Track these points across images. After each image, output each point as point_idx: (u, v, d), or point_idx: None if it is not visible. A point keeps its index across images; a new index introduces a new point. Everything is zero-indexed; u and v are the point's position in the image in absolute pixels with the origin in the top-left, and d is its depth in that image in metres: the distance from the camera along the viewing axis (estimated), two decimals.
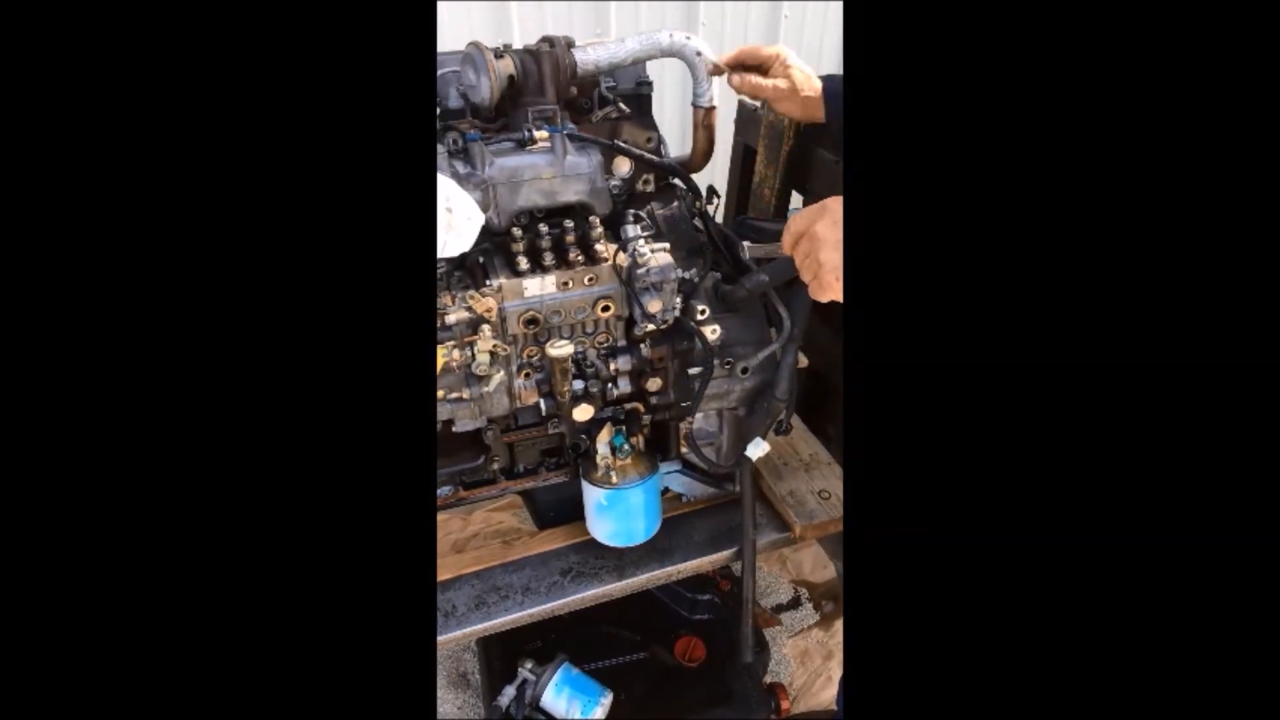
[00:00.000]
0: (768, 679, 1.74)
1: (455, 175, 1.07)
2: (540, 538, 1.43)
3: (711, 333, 1.20)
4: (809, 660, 1.89)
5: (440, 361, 1.11)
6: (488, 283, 1.11)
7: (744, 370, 1.23)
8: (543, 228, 1.14)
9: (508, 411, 1.23)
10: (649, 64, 1.28)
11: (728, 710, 1.58)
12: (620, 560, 1.38)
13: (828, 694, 1.80)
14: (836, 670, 1.84)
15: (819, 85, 1.22)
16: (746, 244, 1.18)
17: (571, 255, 1.14)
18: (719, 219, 1.34)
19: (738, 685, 1.61)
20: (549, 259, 1.13)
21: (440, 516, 1.46)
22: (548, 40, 1.17)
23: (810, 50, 2.52)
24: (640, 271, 1.12)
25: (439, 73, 1.19)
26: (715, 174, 1.50)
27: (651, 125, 1.32)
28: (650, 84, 1.33)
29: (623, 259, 1.14)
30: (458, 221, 0.99)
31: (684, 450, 1.37)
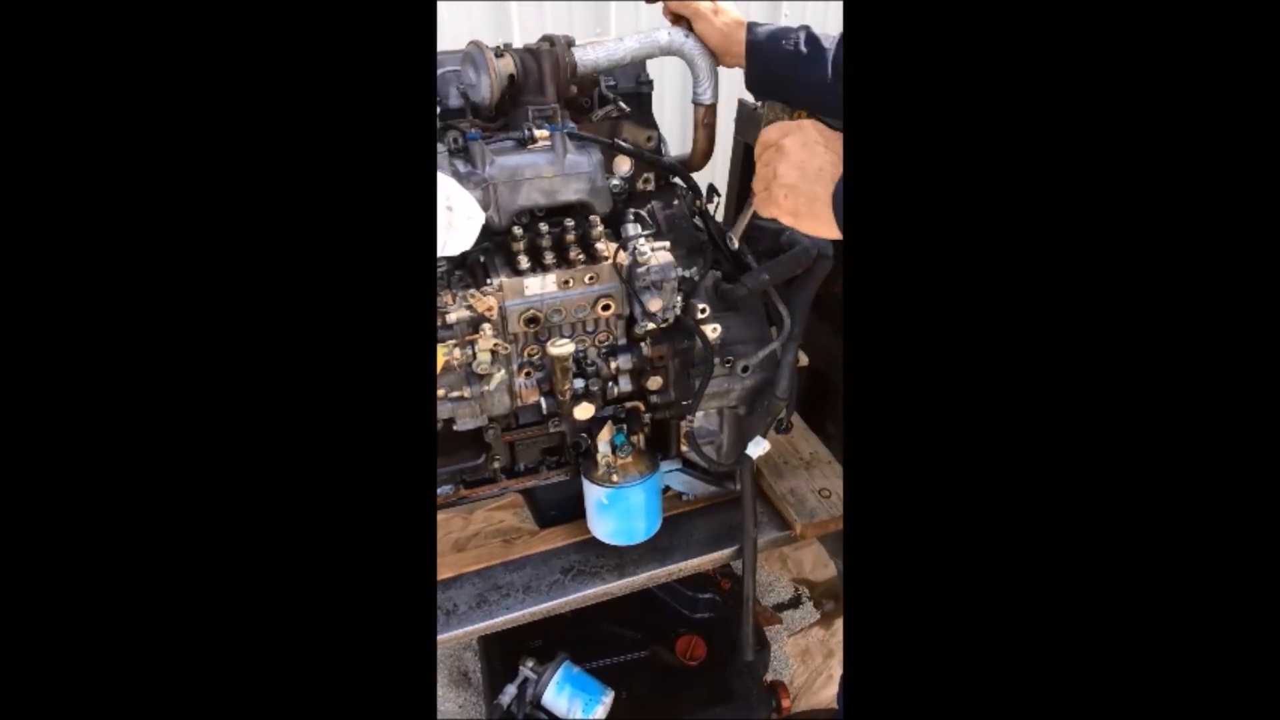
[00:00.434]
0: (768, 677, 1.74)
1: (456, 174, 1.07)
2: (541, 536, 1.43)
3: (712, 331, 1.20)
4: (809, 659, 1.89)
5: (441, 360, 1.11)
6: (488, 281, 1.11)
7: (744, 369, 1.23)
8: (543, 227, 1.14)
9: (508, 410, 1.23)
10: (649, 63, 1.28)
11: (728, 709, 1.58)
12: (621, 559, 1.39)
13: (828, 692, 1.80)
14: (837, 669, 1.84)
15: (744, 27, 1.17)
16: (732, 233, 1.17)
17: (572, 254, 1.14)
18: (719, 218, 1.34)
19: (738, 684, 1.61)
20: (549, 258, 1.13)
21: (441, 515, 1.47)
22: (548, 39, 1.17)
23: None
24: (641, 270, 1.12)
25: (439, 72, 1.20)
26: (715, 173, 1.50)
27: (651, 124, 1.32)
28: (650, 83, 1.33)
29: (623, 258, 1.14)
30: (458, 220, 0.99)
31: (684, 449, 1.37)
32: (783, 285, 1.24)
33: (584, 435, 1.30)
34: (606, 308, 1.17)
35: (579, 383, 1.22)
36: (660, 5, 1.24)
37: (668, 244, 1.16)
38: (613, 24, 2.20)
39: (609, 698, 1.53)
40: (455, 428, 1.21)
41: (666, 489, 1.45)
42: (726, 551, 1.41)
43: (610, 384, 1.25)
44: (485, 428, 1.25)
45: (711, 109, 1.29)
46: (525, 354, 1.19)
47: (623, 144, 1.25)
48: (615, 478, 1.28)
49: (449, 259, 1.09)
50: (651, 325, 1.18)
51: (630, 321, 1.22)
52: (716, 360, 1.21)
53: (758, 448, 1.28)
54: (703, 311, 1.19)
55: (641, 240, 1.14)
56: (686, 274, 1.16)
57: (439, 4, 1.89)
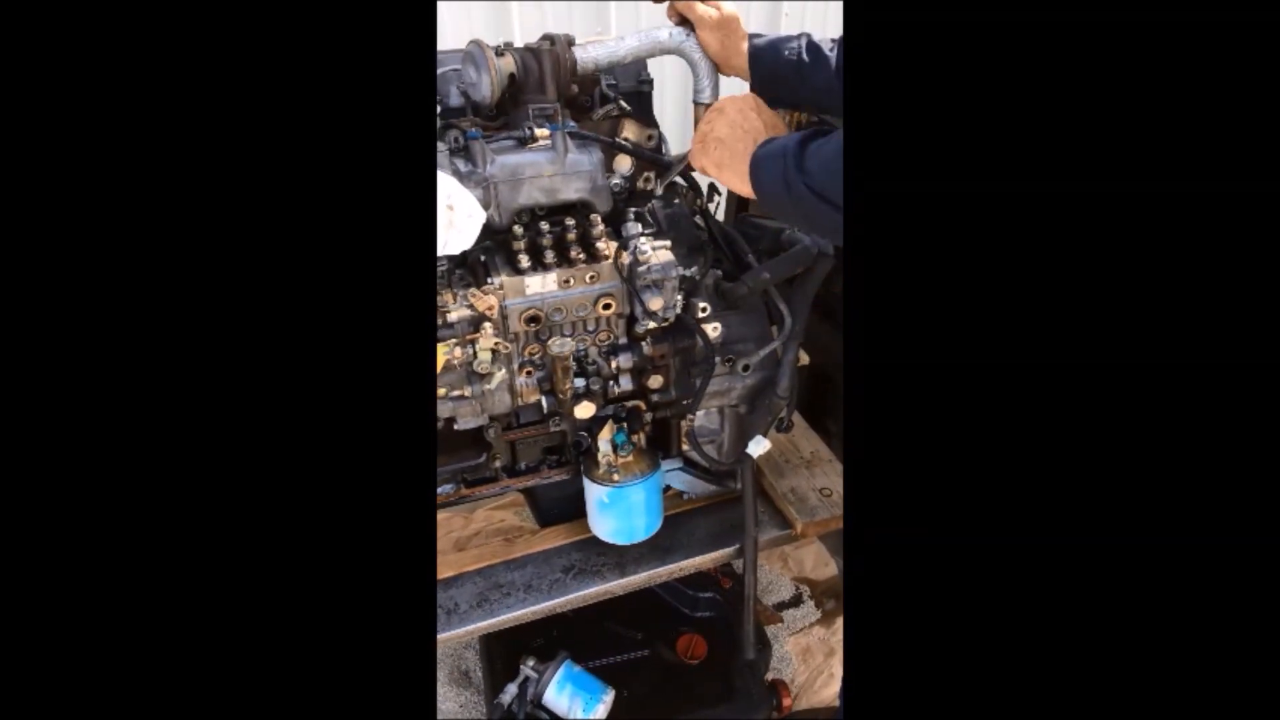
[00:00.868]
0: (769, 676, 1.74)
1: (456, 173, 1.07)
2: (542, 535, 1.43)
3: (713, 330, 1.20)
4: (810, 657, 1.89)
5: (442, 359, 1.11)
6: (489, 280, 1.11)
7: (745, 367, 1.23)
8: (544, 225, 1.14)
9: (509, 409, 1.23)
10: (649, 61, 1.28)
11: (729, 708, 1.58)
12: (622, 558, 1.39)
13: (829, 691, 1.80)
14: (838, 667, 1.84)
15: (744, 37, 1.19)
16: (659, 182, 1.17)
17: (573, 253, 1.14)
18: (720, 216, 1.34)
19: (739, 682, 1.61)
20: (550, 257, 1.13)
21: (442, 514, 1.47)
22: (548, 38, 1.17)
23: None
24: (641, 269, 1.12)
25: (440, 71, 1.20)
26: None
27: (652, 123, 1.32)
28: (651, 81, 1.33)
29: (624, 257, 1.14)
30: (459, 219, 0.99)
31: (685, 448, 1.37)
32: (784, 284, 1.24)
33: (585, 434, 1.30)
34: (607, 306, 1.17)
35: (580, 382, 1.22)
36: (661, 5, 1.24)
37: (668, 243, 1.16)
38: (613, 23, 2.20)
39: (610, 697, 1.53)
40: (456, 427, 1.21)
41: (667, 488, 1.45)
42: (727, 550, 1.41)
43: (611, 383, 1.25)
44: (486, 427, 1.25)
45: None
46: (526, 353, 1.19)
47: (623, 143, 1.25)
48: (616, 476, 1.28)
49: (450, 258, 1.09)
50: (652, 324, 1.18)
51: (631, 320, 1.22)
52: (717, 359, 1.21)
53: (759, 446, 1.28)
54: (704, 310, 1.19)
55: (642, 239, 1.14)
56: (687, 273, 1.16)
57: (440, 3, 1.89)
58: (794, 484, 1.47)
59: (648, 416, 1.31)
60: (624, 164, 1.27)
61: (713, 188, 1.32)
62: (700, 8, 1.19)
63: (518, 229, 1.12)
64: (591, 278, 1.15)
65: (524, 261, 1.12)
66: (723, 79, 1.27)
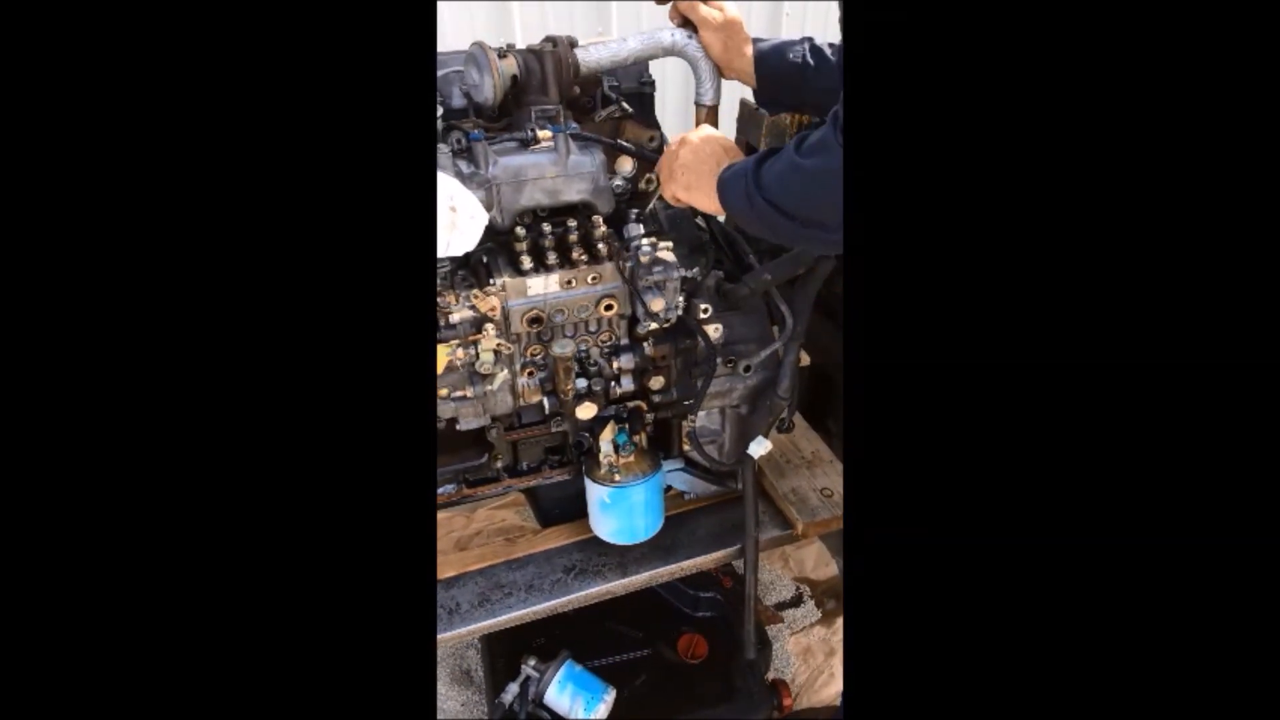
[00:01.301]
0: (770, 676, 1.74)
1: (459, 174, 1.07)
2: (543, 535, 1.43)
3: (714, 331, 1.21)
4: (811, 657, 1.90)
5: (444, 360, 1.11)
6: (491, 281, 1.12)
7: (746, 368, 1.24)
8: (546, 227, 1.14)
9: (511, 410, 1.23)
10: (651, 63, 1.28)
11: (730, 707, 1.58)
12: (623, 558, 1.39)
13: (830, 691, 1.81)
14: (838, 667, 1.84)
15: (748, 41, 1.21)
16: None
17: (575, 254, 1.14)
18: (721, 217, 1.35)
19: (740, 682, 1.61)
20: (552, 258, 1.13)
21: (443, 514, 1.47)
22: (550, 40, 1.18)
23: None
24: (643, 270, 1.12)
25: (443, 73, 1.20)
26: None
27: (654, 124, 1.33)
28: (652, 83, 1.33)
29: (625, 257, 1.14)
30: (462, 220, 1.00)
31: (686, 448, 1.38)
32: (785, 285, 1.24)
33: (586, 434, 1.31)
34: (609, 307, 1.18)
35: (581, 382, 1.23)
36: (664, 7, 1.24)
37: (670, 243, 1.16)
38: (614, 24, 2.20)
39: (611, 696, 1.53)
40: (458, 427, 1.22)
41: (668, 488, 1.46)
42: (728, 550, 1.41)
43: (612, 383, 1.25)
44: (488, 427, 1.26)
45: (714, 109, 1.29)
46: (528, 354, 1.19)
47: (625, 144, 1.25)
48: (617, 477, 1.28)
49: (452, 259, 1.10)
50: (654, 325, 1.18)
51: (633, 321, 1.22)
52: (719, 360, 1.21)
53: (760, 447, 1.29)
54: (705, 311, 1.19)
55: (644, 240, 1.15)
56: (689, 274, 1.16)
57: (441, 4, 1.89)
58: (795, 484, 1.47)
59: (649, 417, 1.32)
60: (626, 165, 1.28)
61: None
62: (704, 9, 1.19)
63: (520, 230, 1.12)
64: (593, 279, 1.16)
65: (526, 262, 1.12)
66: (724, 82, 1.28)
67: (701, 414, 1.32)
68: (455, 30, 2.00)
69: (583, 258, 1.14)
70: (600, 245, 1.15)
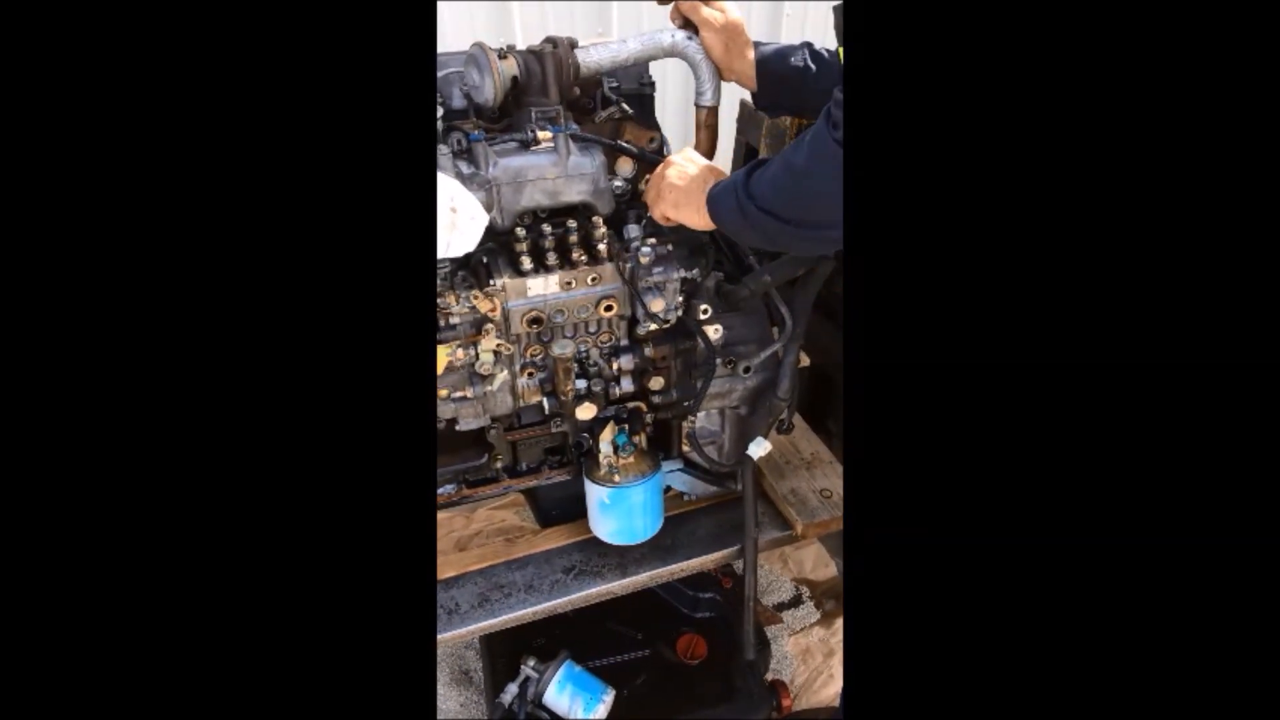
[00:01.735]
0: (769, 676, 1.74)
1: (459, 175, 1.07)
2: (543, 536, 1.44)
3: (714, 332, 1.21)
4: (810, 658, 1.90)
5: (444, 360, 1.11)
6: (491, 282, 1.12)
7: (746, 369, 1.24)
8: (546, 227, 1.15)
9: (511, 410, 1.23)
10: (651, 64, 1.28)
11: (730, 707, 1.58)
12: (623, 558, 1.39)
13: (829, 691, 1.81)
14: (837, 668, 1.84)
15: (749, 44, 1.21)
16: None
17: (575, 255, 1.14)
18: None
19: (740, 682, 1.61)
20: (552, 259, 1.13)
21: (443, 514, 1.47)
22: (551, 41, 1.18)
23: None
24: (643, 271, 1.12)
25: (443, 73, 1.20)
26: None
27: (654, 125, 1.33)
28: (653, 84, 1.33)
29: (625, 258, 1.15)
30: (462, 221, 1.00)
31: (686, 449, 1.38)
32: (785, 286, 1.24)
33: (586, 435, 1.31)
34: (609, 308, 1.18)
35: (581, 383, 1.23)
36: (665, 8, 1.24)
37: (670, 244, 1.16)
38: (615, 25, 2.20)
39: (610, 696, 1.53)
40: (458, 427, 1.22)
41: (668, 489, 1.46)
42: (728, 551, 1.41)
43: (612, 384, 1.25)
44: (488, 427, 1.26)
45: (714, 110, 1.29)
46: (528, 354, 1.19)
47: (625, 145, 1.26)
48: (617, 477, 1.28)
49: (452, 260, 1.10)
50: (654, 326, 1.18)
51: (632, 322, 1.22)
52: (718, 361, 1.21)
53: (759, 448, 1.29)
54: (705, 312, 1.19)
55: (644, 241, 1.15)
56: (689, 275, 1.16)
57: (442, 5, 1.89)
58: (794, 485, 1.48)
59: (649, 418, 1.32)
60: (626, 166, 1.28)
61: None
62: (705, 10, 1.19)
63: (520, 231, 1.12)
64: (593, 279, 1.16)
65: (526, 263, 1.12)
66: (724, 83, 1.28)
67: (701, 415, 1.32)
68: (455, 31, 2.01)
69: (583, 259, 1.14)
70: (600, 246, 1.15)
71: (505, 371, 1.17)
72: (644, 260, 1.12)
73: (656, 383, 1.25)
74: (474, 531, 1.47)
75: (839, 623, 1.95)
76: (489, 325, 1.12)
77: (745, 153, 1.63)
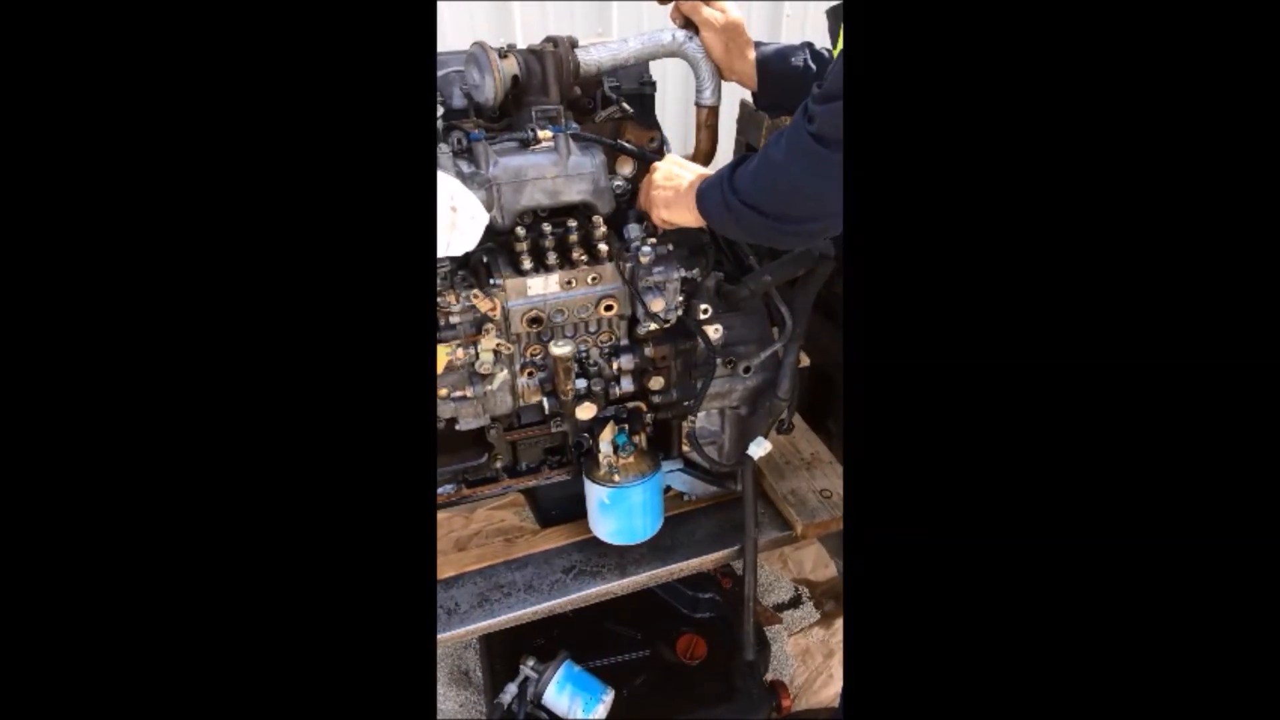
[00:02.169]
0: (769, 677, 1.74)
1: (459, 174, 1.07)
2: (543, 536, 1.43)
3: (714, 332, 1.21)
4: (810, 658, 1.90)
5: (444, 360, 1.11)
6: (491, 282, 1.12)
7: (746, 369, 1.24)
8: (546, 227, 1.15)
9: (511, 410, 1.23)
10: (651, 63, 1.28)
11: (729, 708, 1.58)
12: (622, 558, 1.39)
13: (829, 692, 1.81)
14: (837, 669, 1.84)
15: (750, 44, 1.22)
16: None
17: (575, 254, 1.14)
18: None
19: (739, 683, 1.61)
20: (552, 258, 1.13)
21: (443, 514, 1.47)
22: (551, 40, 1.18)
23: None
24: (643, 271, 1.12)
25: (443, 73, 1.20)
26: None
27: (654, 125, 1.33)
28: (653, 84, 1.33)
29: (626, 258, 1.14)
30: (462, 221, 1.00)
31: (686, 449, 1.38)
32: (785, 286, 1.24)
33: (586, 435, 1.31)
34: (609, 308, 1.18)
35: (581, 383, 1.23)
36: (665, 7, 1.24)
37: (670, 244, 1.16)
38: (615, 24, 2.20)
39: (610, 697, 1.53)
40: (458, 427, 1.22)
41: (668, 489, 1.46)
42: (727, 551, 1.41)
43: (612, 384, 1.25)
44: (488, 427, 1.26)
45: (714, 110, 1.29)
46: (528, 354, 1.19)
47: (626, 145, 1.25)
48: (617, 477, 1.28)
49: (452, 259, 1.10)
50: (654, 326, 1.18)
51: (633, 322, 1.22)
52: (719, 361, 1.21)
53: (759, 448, 1.29)
54: (705, 312, 1.19)
55: (644, 241, 1.15)
56: (689, 274, 1.16)
57: (442, 4, 1.89)
58: (794, 485, 1.48)
59: (649, 418, 1.31)
60: (626, 166, 1.28)
61: None
62: (706, 10, 1.20)
63: (520, 230, 1.12)
64: (593, 279, 1.16)
65: (526, 263, 1.12)
66: (724, 84, 1.28)
67: (701, 415, 1.32)
68: (456, 30, 2.00)
69: (583, 258, 1.14)
70: (600, 246, 1.15)
71: (505, 371, 1.17)
72: (644, 260, 1.12)
73: (656, 383, 1.25)
74: (473, 531, 1.46)
75: (839, 623, 1.95)
76: (489, 325, 1.12)
77: (746, 153, 1.62)
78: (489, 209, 1.09)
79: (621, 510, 1.31)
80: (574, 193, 1.15)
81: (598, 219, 1.16)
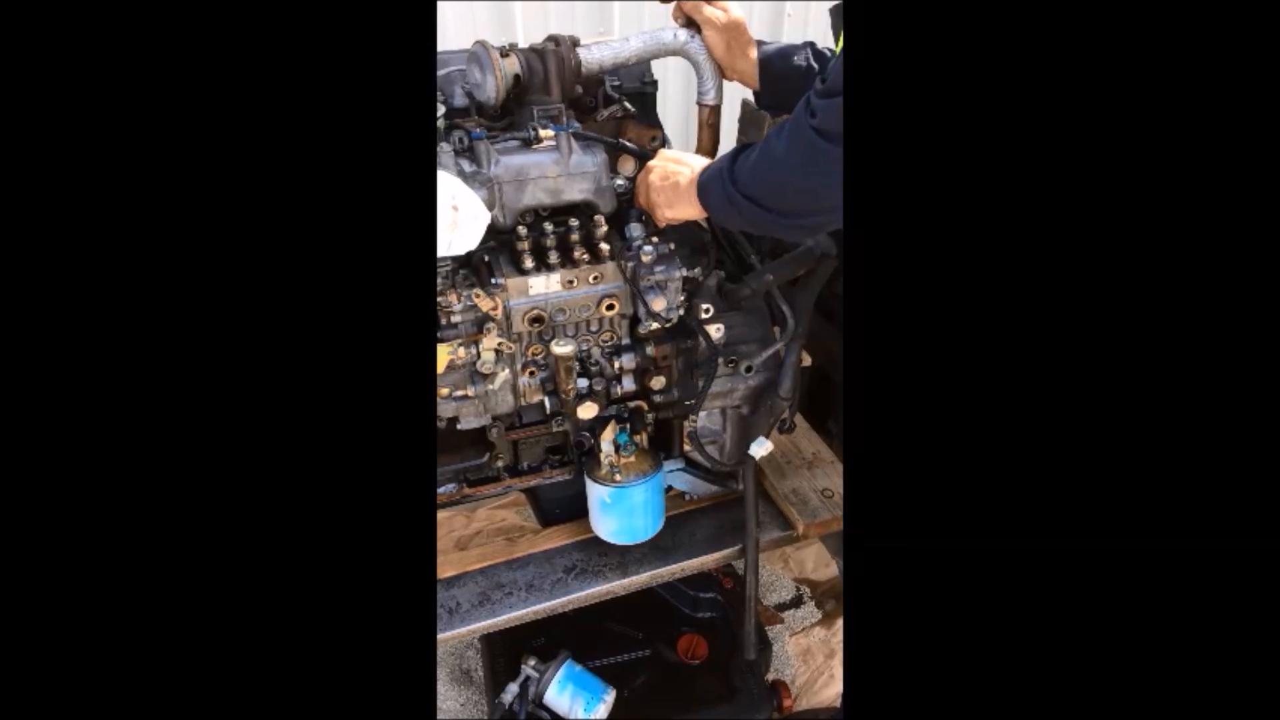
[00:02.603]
0: (770, 676, 1.74)
1: (461, 173, 1.07)
2: (544, 535, 1.43)
3: (716, 331, 1.20)
4: (811, 658, 1.90)
5: (445, 359, 1.11)
6: (493, 281, 1.12)
7: (748, 369, 1.24)
8: (548, 226, 1.14)
9: (512, 409, 1.23)
10: (653, 62, 1.28)
11: (730, 707, 1.58)
12: (623, 558, 1.39)
13: (830, 691, 1.81)
14: (838, 668, 1.84)
15: (751, 43, 1.22)
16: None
17: (576, 254, 1.14)
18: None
19: (740, 682, 1.61)
20: (554, 257, 1.13)
21: (444, 514, 1.47)
22: (553, 39, 1.18)
23: None
24: (645, 270, 1.12)
25: (445, 72, 1.20)
26: None
27: (656, 124, 1.33)
28: (655, 82, 1.33)
29: (627, 257, 1.14)
30: (463, 220, 1.00)
31: (687, 448, 1.37)
32: (786, 285, 1.24)
33: (587, 434, 1.31)
34: (610, 307, 1.18)
35: (582, 382, 1.23)
36: (667, 6, 1.24)
37: (672, 244, 1.16)
38: (616, 24, 2.20)
39: (611, 696, 1.53)
40: (459, 426, 1.22)
41: (669, 488, 1.46)
42: (729, 551, 1.41)
43: (614, 383, 1.25)
44: (489, 426, 1.26)
45: (716, 109, 1.29)
46: (529, 353, 1.19)
47: (627, 144, 1.25)
48: (618, 477, 1.28)
49: (454, 258, 1.10)
50: (655, 325, 1.18)
51: (634, 321, 1.22)
52: (720, 360, 1.21)
53: (760, 448, 1.29)
54: (706, 311, 1.19)
55: (645, 240, 1.15)
56: (690, 274, 1.16)
57: (443, 3, 1.89)
58: (795, 485, 1.47)
59: (650, 417, 1.31)
60: (628, 165, 1.28)
61: None
62: (708, 9, 1.20)
63: (522, 229, 1.12)
64: (595, 278, 1.16)
65: (528, 262, 1.12)
66: (726, 83, 1.28)
67: (702, 414, 1.32)
68: (458, 29, 2.00)
69: (584, 257, 1.14)
70: (602, 245, 1.15)
71: (506, 370, 1.16)
72: (646, 259, 1.12)
73: (658, 382, 1.25)
74: (474, 531, 1.46)
75: (840, 623, 1.95)
76: (490, 324, 1.12)
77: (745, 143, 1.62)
78: (490, 208, 1.09)
79: (623, 510, 1.31)
80: (576, 192, 1.15)
81: (599, 218, 1.16)
